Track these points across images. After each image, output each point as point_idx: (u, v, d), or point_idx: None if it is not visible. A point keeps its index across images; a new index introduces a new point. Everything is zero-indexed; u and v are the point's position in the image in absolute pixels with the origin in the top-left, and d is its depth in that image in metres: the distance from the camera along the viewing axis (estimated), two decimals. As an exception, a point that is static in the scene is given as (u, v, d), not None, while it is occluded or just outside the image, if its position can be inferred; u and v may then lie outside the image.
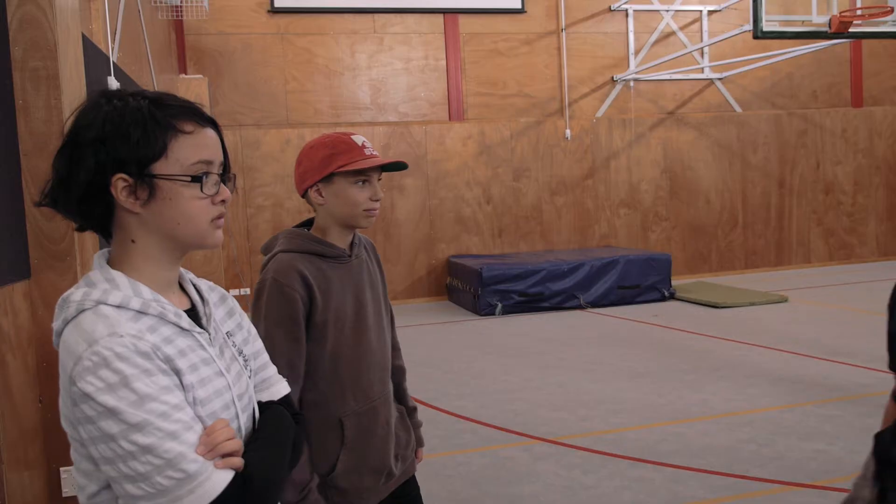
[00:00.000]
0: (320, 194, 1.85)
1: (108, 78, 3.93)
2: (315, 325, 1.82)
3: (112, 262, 1.18)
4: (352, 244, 1.94)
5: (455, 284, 9.51)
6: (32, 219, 2.56)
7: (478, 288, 8.59)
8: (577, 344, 6.87)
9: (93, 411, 1.03)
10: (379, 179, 1.88)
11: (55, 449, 2.62)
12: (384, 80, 10.02)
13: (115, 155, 1.11)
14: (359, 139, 1.85)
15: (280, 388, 1.35)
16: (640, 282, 8.81)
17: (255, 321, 1.80)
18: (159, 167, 1.13)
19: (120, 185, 1.12)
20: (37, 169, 2.55)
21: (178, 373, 1.11)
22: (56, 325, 1.12)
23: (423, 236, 9.90)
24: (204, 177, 1.16)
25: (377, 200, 1.86)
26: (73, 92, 2.72)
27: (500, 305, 8.51)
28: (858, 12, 7.28)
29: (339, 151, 1.82)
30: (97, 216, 1.16)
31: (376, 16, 9.92)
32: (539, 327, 7.76)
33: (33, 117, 2.55)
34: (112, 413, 1.02)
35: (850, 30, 7.14)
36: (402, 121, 10.01)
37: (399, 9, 9.94)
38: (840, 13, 7.14)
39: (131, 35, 5.92)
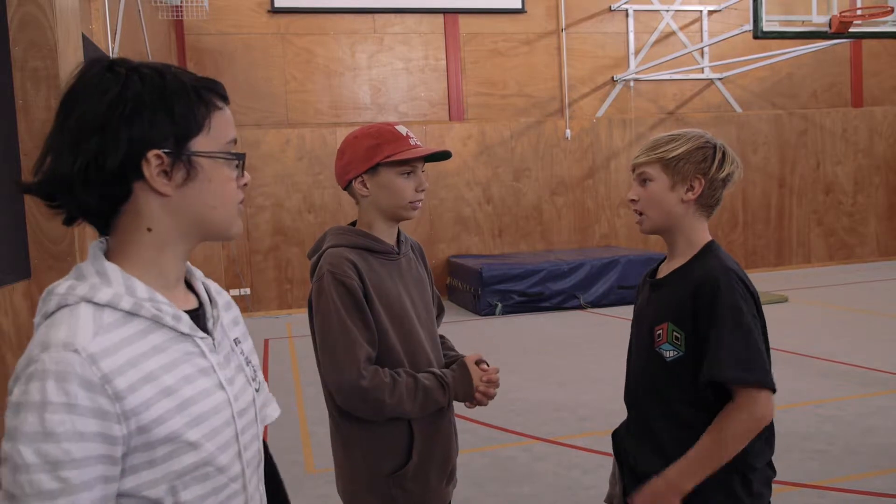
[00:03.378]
0: (365, 186, 1.81)
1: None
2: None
3: (110, 254, 1.02)
4: (399, 242, 1.91)
5: (455, 284, 9.51)
6: (32, 219, 2.56)
7: (478, 288, 8.59)
8: (577, 344, 6.87)
9: (4, 421, 0.89)
10: (423, 170, 1.85)
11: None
12: (384, 80, 10.02)
13: (154, 130, 0.97)
14: (402, 129, 1.82)
15: (273, 409, 1.23)
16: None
17: (323, 319, 1.75)
18: (201, 143, 1.02)
19: (154, 162, 0.98)
20: (37, 169, 2.55)
21: (131, 414, 0.92)
22: (36, 320, 0.98)
23: (423, 236, 9.89)
24: (244, 156, 1.07)
25: (422, 191, 1.84)
26: (73, 92, 2.71)
27: (500, 305, 8.52)
28: (858, 12, 7.28)
29: (384, 141, 1.79)
30: (112, 202, 1.00)
31: (376, 16, 9.92)
32: (539, 327, 7.76)
33: (33, 117, 2.55)
34: (10, 436, 0.88)
35: (850, 30, 7.15)
36: (402, 121, 9.99)
37: (399, 9, 9.94)
38: (840, 13, 7.14)
39: (131, 35, 5.92)
